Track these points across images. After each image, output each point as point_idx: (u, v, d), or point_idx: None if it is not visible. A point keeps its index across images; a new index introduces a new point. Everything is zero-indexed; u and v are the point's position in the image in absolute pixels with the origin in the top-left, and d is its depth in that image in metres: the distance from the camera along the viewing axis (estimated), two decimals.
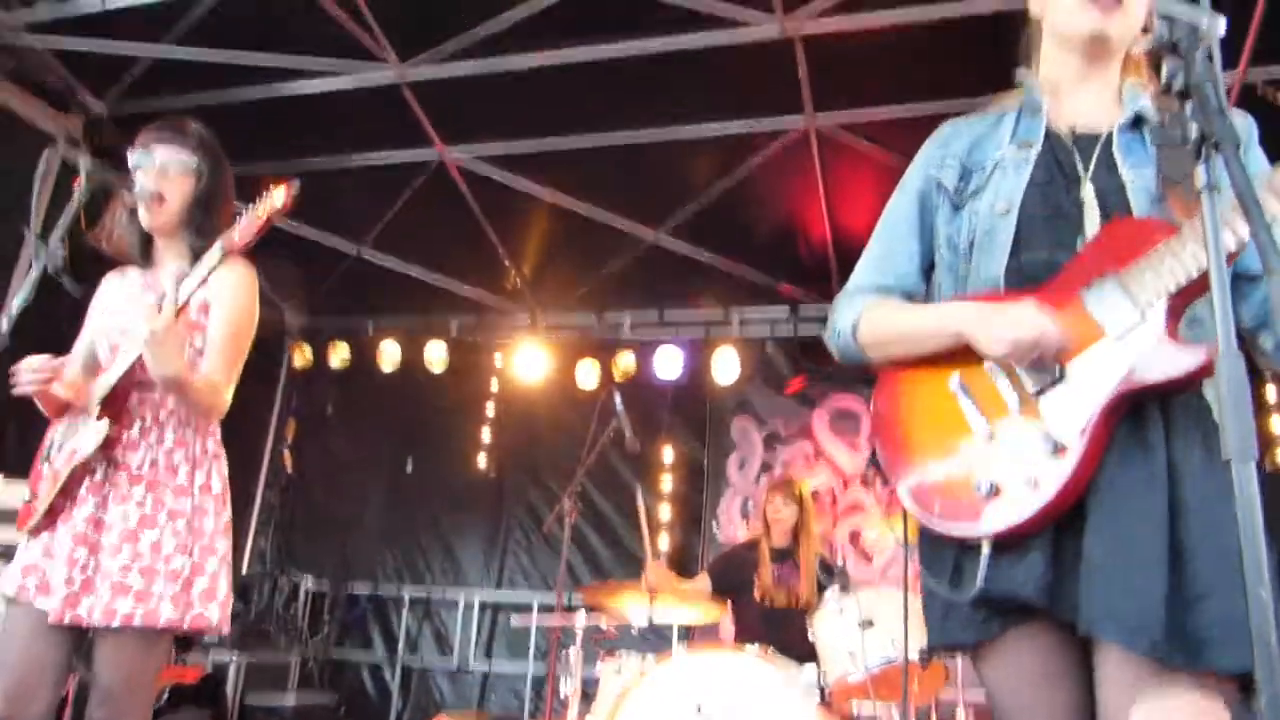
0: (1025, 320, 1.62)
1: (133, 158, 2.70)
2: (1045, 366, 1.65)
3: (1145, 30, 1.76)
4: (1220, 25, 1.32)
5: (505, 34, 5.32)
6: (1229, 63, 4.64)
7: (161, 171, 2.66)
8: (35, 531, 2.58)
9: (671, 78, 5.57)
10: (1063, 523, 1.59)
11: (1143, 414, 1.60)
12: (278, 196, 2.43)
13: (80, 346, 2.82)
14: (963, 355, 1.75)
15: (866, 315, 1.92)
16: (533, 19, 5.19)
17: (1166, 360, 1.55)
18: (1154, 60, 1.37)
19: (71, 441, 2.60)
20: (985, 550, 1.61)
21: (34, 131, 5.87)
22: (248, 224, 2.45)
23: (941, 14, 4.74)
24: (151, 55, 5.79)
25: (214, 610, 2.54)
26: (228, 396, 2.66)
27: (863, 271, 2.01)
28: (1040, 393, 1.65)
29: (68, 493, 2.56)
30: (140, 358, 2.47)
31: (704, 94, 5.76)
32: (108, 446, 2.55)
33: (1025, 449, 1.62)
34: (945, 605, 1.72)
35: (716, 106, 5.87)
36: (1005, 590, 1.60)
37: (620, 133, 6.08)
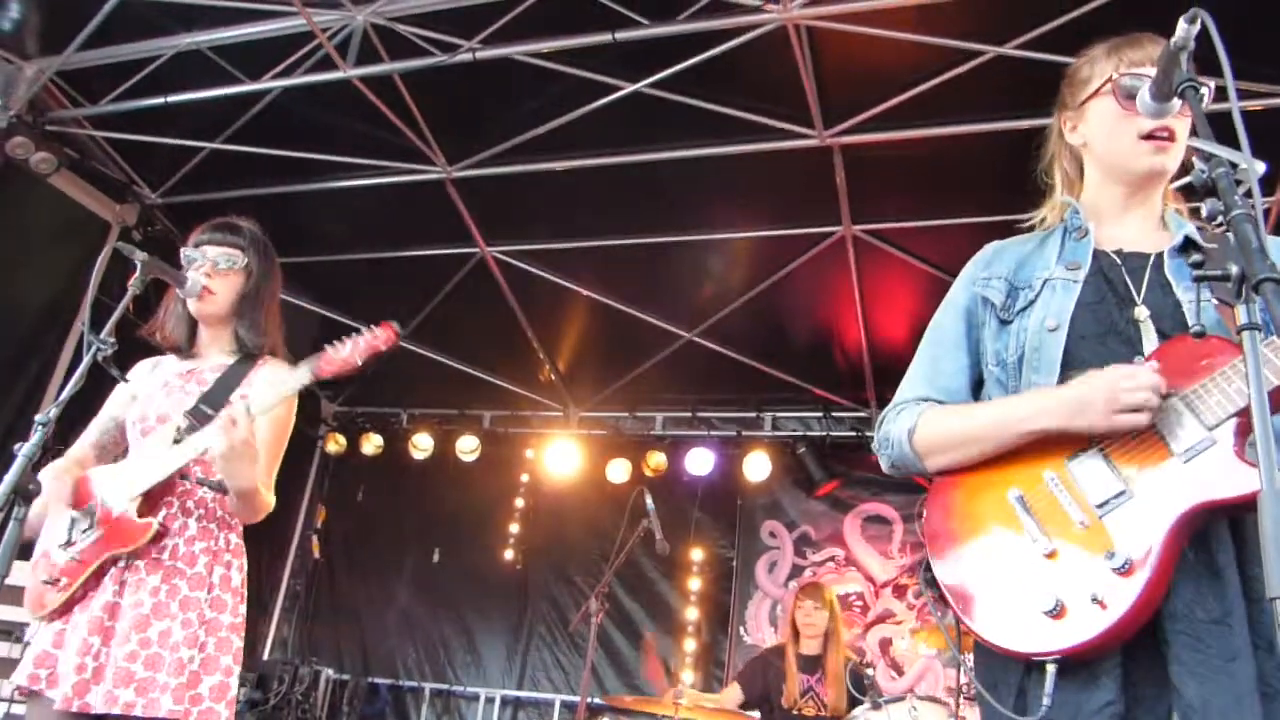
0: (1117, 377, 1.59)
1: (185, 253, 2.80)
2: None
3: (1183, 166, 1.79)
4: (1259, 168, 1.32)
5: (548, 138, 5.45)
6: (1268, 191, 4.67)
7: (213, 267, 2.75)
8: (51, 617, 2.52)
9: (710, 182, 5.67)
10: (1130, 646, 1.54)
11: (1211, 534, 1.57)
12: (380, 337, 2.57)
13: (97, 426, 2.82)
14: (1020, 466, 1.72)
15: (924, 421, 1.87)
16: (576, 125, 5.33)
17: (1235, 480, 1.52)
18: (1188, 192, 1.36)
19: (95, 531, 2.54)
20: (1050, 671, 1.56)
21: (92, 219, 6.04)
22: (342, 357, 2.56)
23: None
24: (209, 148, 5.98)
25: (223, 710, 2.48)
26: (272, 498, 2.68)
27: (911, 385, 1.98)
28: (1105, 509, 1.61)
29: (91, 581, 2.51)
30: (188, 461, 2.51)
31: (742, 198, 5.86)
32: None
33: (1090, 567, 1.58)
34: None
35: (754, 211, 5.96)
36: (1075, 718, 1.55)
37: (658, 234, 6.19)
